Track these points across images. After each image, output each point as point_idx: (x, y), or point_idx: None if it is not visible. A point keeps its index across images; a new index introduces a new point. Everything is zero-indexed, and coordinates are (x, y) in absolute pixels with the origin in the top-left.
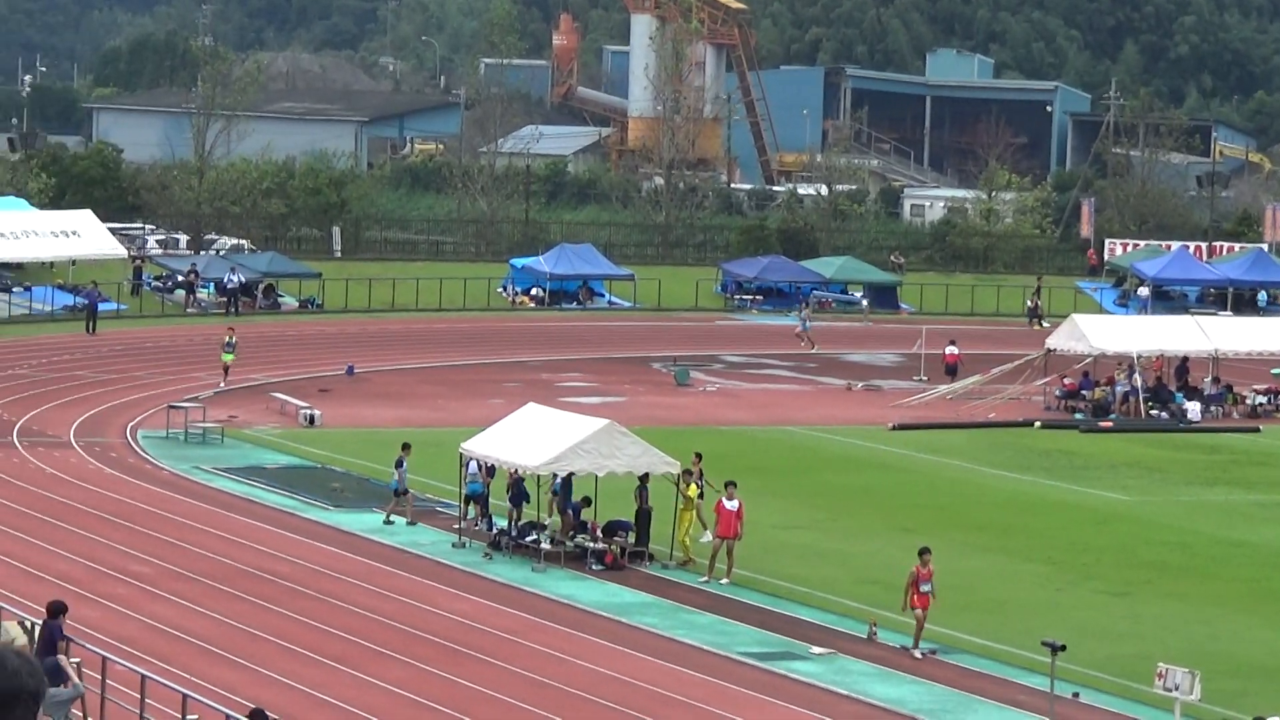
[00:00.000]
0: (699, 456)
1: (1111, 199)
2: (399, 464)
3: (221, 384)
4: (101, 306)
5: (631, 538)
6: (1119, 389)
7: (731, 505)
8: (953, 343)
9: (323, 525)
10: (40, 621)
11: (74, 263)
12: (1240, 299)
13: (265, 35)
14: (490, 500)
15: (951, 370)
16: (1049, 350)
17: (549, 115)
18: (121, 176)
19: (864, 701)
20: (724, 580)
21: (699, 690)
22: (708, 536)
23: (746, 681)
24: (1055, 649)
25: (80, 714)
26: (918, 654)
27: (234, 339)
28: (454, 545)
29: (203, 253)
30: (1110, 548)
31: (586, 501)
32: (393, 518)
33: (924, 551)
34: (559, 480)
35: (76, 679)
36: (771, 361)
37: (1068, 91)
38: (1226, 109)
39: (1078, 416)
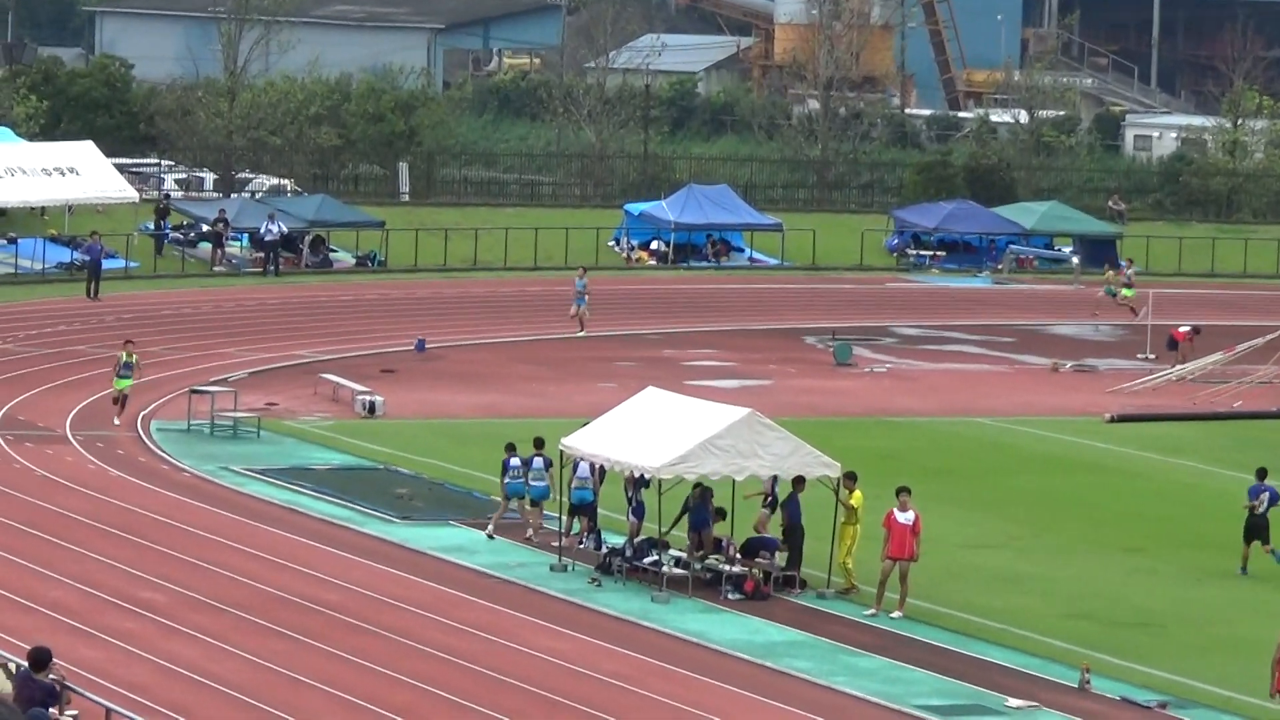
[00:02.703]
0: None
1: None
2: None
3: (116, 419)
4: (106, 264)
5: (780, 559)
6: None
7: (905, 518)
8: (1197, 331)
9: (385, 542)
10: (21, 667)
11: (71, 209)
12: None
13: None
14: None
15: (1174, 345)
16: None
17: (674, 21)
18: (131, 99)
19: None
20: (895, 613)
21: None
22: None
23: None
24: None
25: None
26: None
27: (133, 358)
28: (553, 568)
29: (234, 196)
30: None
31: (721, 514)
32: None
33: None
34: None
35: None
36: (956, 335)
37: None
38: None
39: None
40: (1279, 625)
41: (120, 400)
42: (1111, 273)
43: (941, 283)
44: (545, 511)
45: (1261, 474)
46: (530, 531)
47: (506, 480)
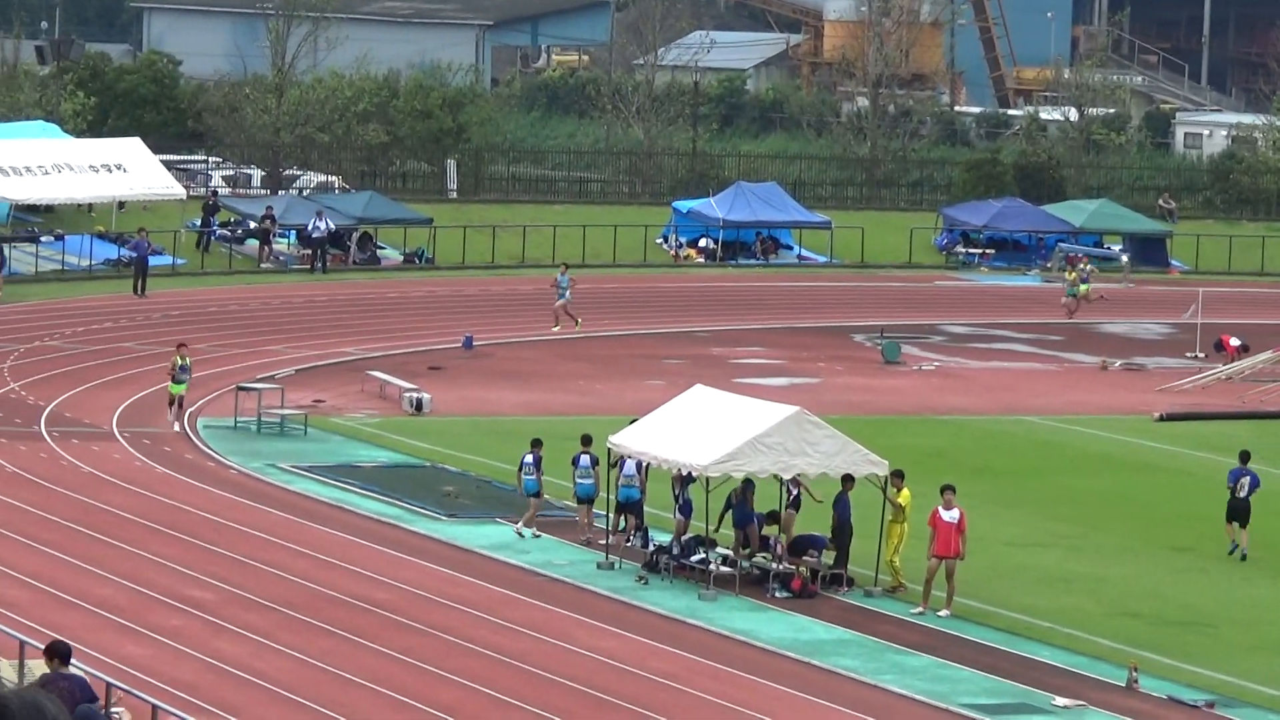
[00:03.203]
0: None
1: None
2: (522, 462)
3: (175, 425)
4: (153, 261)
5: (827, 557)
6: None
7: (950, 516)
8: (1246, 349)
9: (432, 540)
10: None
11: (119, 205)
12: None
13: None
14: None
15: (1221, 348)
16: None
17: (723, 18)
18: (179, 95)
19: None
20: (943, 612)
21: None
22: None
23: None
24: None
25: None
26: None
27: (188, 360)
28: (600, 566)
29: (282, 193)
30: None
31: (774, 517)
32: (529, 528)
33: None
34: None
35: None
36: (1005, 333)
37: None
38: None
39: None
40: None
41: (176, 403)
42: (1073, 273)
43: (990, 281)
44: (595, 510)
45: (1244, 458)
46: (520, 524)
47: (524, 477)
